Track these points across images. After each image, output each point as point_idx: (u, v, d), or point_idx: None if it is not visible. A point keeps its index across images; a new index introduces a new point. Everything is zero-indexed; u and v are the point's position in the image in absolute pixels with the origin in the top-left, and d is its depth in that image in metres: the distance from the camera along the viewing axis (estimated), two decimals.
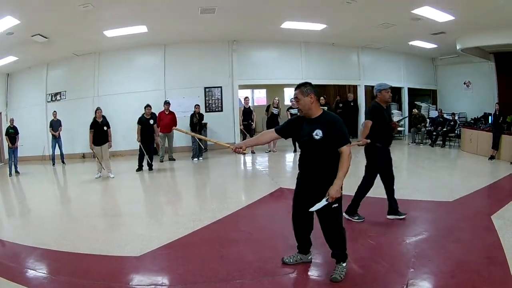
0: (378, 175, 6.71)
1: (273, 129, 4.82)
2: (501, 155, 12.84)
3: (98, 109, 11.23)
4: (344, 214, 6.30)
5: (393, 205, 6.75)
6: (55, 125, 13.45)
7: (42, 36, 11.56)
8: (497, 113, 13.20)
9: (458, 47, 15.21)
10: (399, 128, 17.75)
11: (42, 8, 9.58)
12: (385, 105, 6.58)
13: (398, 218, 6.66)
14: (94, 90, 14.78)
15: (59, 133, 13.45)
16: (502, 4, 10.31)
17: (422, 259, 5.16)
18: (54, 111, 13.60)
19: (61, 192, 10.20)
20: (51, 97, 14.96)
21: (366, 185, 6.69)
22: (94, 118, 10.98)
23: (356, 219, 6.57)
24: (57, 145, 13.52)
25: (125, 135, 13.86)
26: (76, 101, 14.40)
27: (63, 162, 13.48)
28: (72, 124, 13.93)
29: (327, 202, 4.30)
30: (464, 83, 19.42)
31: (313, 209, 4.38)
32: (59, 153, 13.73)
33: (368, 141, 6.38)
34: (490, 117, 14.62)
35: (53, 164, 13.47)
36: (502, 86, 15.88)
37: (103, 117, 11.13)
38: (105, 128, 10.97)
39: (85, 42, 13.25)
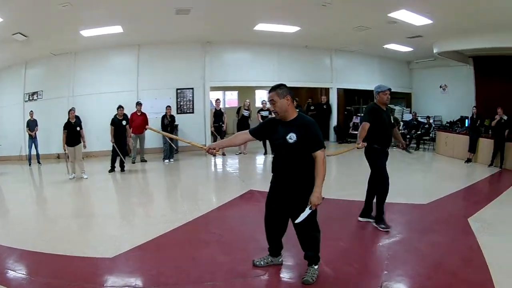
0: (369, 175, 6.86)
1: (247, 131, 4.85)
2: (478, 158, 13.17)
3: (71, 109, 11.23)
4: (373, 222, 6.61)
5: (368, 208, 6.81)
6: (32, 124, 13.36)
7: (22, 34, 11.47)
8: (474, 117, 13.40)
9: (435, 51, 15.31)
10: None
11: (24, 7, 9.52)
12: (385, 107, 6.62)
13: (370, 221, 6.70)
14: (69, 90, 14.68)
15: (35, 133, 13.35)
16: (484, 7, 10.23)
17: (396, 262, 5.21)
18: (31, 111, 13.49)
19: (37, 193, 10.18)
20: (29, 97, 14.80)
21: (384, 185, 6.62)
22: (68, 119, 10.96)
23: (383, 228, 6.38)
24: (33, 145, 13.43)
25: (98, 136, 13.77)
26: (52, 101, 14.28)
27: (38, 162, 13.40)
28: (47, 124, 13.82)
29: (310, 211, 4.32)
30: (440, 87, 19.57)
31: (298, 220, 4.37)
32: (35, 153, 13.62)
33: (365, 144, 6.42)
34: (467, 120, 14.87)
35: (30, 164, 13.38)
36: (480, 90, 16.00)
37: (77, 117, 11.12)
38: (78, 128, 10.95)
39: (62, 42, 13.17)
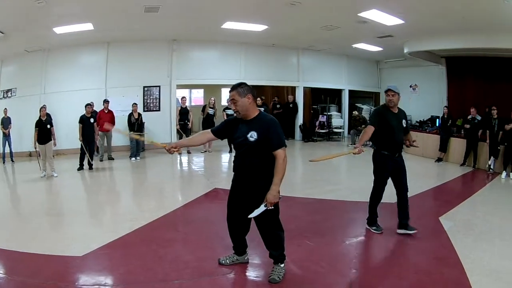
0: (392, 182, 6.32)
1: (210, 130, 4.84)
2: (449, 158, 13.43)
3: (42, 107, 11.22)
4: (397, 230, 6.24)
5: (401, 217, 6.25)
6: (6, 122, 13.18)
7: (0, 31, 11.40)
8: (445, 116, 13.61)
9: (405, 51, 15.40)
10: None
11: (2, 3, 9.47)
12: (394, 109, 6.18)
13: (408, 233, 6.13)
14: (41, 88, 14.55)
15: (9, 131, 13.24)
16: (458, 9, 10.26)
17: (365, 260, 5.34)
18: (5, 108, 13.35)
19: (10, 191, 10.11)
20: (3, 94, 14.58)
21: (374, 193, 6.40)
22: (39, 117, 10.94)
23: (374, 230, 6.29)
24: (7, 142, 13.33)
25: (68, 133, 13.73)
26: (25, 99, 14.13)
27: (12, 160, 13.28)
28: (20, 121, 13.71)
29: (265, 208, 4.28)
30: (411, 86, 19.74)
31: (251, 215, 4.37)
32: (9, 151, 13.48)
33: (364, 150, 5.96)
34: (437, 120, 15.05)
35: (3, 162, 13.24)
36: (452, 90, 16.29)
37: (48, 115, 11.14)
38: (48, 126, 10.93)
39: (36, 39, 13.06)
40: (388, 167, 6.16)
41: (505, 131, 11.22)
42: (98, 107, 13.26)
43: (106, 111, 13.48)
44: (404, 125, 6.23)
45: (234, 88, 4.45)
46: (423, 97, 18.80)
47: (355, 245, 5.90)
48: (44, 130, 10.86)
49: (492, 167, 11.66)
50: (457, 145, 13.29)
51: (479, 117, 12.53)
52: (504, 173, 11.04)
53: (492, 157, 11.65)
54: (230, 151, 14.80)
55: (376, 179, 6.33)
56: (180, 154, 14.78)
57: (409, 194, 7.18)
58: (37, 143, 10.83)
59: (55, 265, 5.02)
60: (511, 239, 6.07)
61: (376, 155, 6.25)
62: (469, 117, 12.69)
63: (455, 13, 10.61)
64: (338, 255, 5.56)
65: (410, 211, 6.24)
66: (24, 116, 13.47)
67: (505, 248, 5.69)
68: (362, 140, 6.19)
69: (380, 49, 17.41)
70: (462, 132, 13.36)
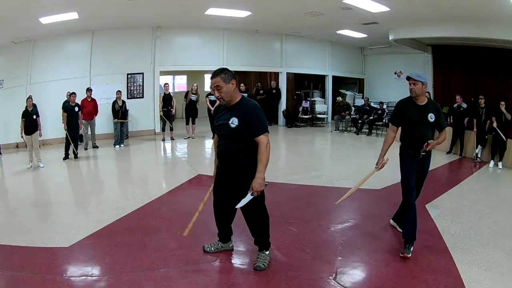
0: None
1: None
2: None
3: (29, 97, 11.14)
4: (390, 220, 6.09)
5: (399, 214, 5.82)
6: None
7: None
8: None
9: (390, 38, 15.39)
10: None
11: None
12: (421, 100, 5.36)
13: (397, 229, 5.85)
14: (27, 78, 14.35)
15: None
16: None
17: (351, 247, 5.27)
18: None
19: None
20: None
21: (403, 199, 5.38)
22: (26, 107, 10.89)
23: (401, 228, 5.55)
24: None
25: (53, 123, 13.71)
26: (12, 90, 13.89)
27: None
28: (7, 113, 13.52)
29: (252, 197, 4.26)
30: (395, 73, 19.93)
31: (239, 205, 4.35)
32: None
33: (386, 161, 5.39)
34: None
35: None
36: (437, 78, 16.29)
37: (34, 105, 11.03)
38: (34, 116, 10.90)
39: (23, 30, 12.90)
40: (412, 169, 5.30)
41: (492, 122, 11.16)
42: (82, 95, 13.21)
43: (89, 100, 13.42)
44: (432, 120, 5.23)
45: (217, 74, 4.30)
46: (408, 84, 18.60)
47: (340, 231, 5.91)
48: (30, 120, 10.82)
49: (479, 156, 11.70)
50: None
51: (464, 105, 12.57)
52: (492, 162, 11.06)
53: (479, 146, 11.68)
54: (213, 137, 14.73)
55: (401, 182, 5.40)
56: (172, 139, 14.98)
57: (394, 181, 7.40)
58: (24, 134, 10.79)
59: (43, 257, 5.04)
60: (500, 229, 6.07)
61: (400, 153, 5.45)
62: (455, 105, 12.73)
63: (444, 3, 10.56)
64: (323, 242, 5.57)
65: (397, 198, 6.00)
66: (11, 108, 13.32)
67: (494, 237, 5.70)
68: (383, 151, 5.43)
69: (364, 35, 17.44)
70: (448, 120, 13.07)
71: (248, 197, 4.29)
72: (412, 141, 5.26)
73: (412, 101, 5.37)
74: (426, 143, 5.07)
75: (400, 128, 5.50)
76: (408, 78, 5.37)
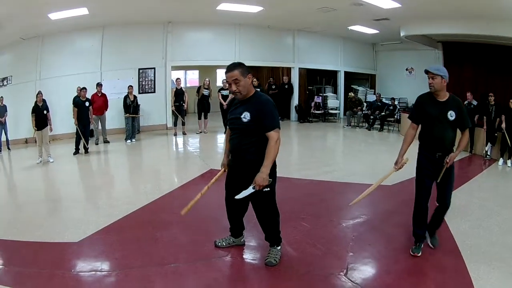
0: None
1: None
2: None
3: (39, 93, 11.13)
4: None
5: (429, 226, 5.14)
6: (1, 110, 12.98)
7: None
8: None
9: (402, 34, 15.33)
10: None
11: None
12: (443, 96, 4.85)
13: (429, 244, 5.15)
14: (36, 74, 14.36)
15: (5, 119, 13.07)
16: None
17: (362, 243, 5.21)
18: (1, 97, 13.20)
19: (7, 179, 9.96)
20: None
21: (415, 203, 5.04)
22: (36, 102, 10.88)
23: (412, 250, 4.91)
24: (3, 130, 13.17)
25: (63, 118, 13.72)
26: (21, 86, 13.97)
27: (8, 148, 13.12)
28: (16, 109, 13.53)
29: (253, 190, 4.19)
30: (407, 69, 19.78)
31: (238, 196, 4.30)
32: (5, 139, 13.25)
33: (406, 161, 5.01)
34: None
35: (0, 151, 12.96)
36: (448, 75, 16.01)
37: (44, 100, 11.01)
38: (44, 112, 10.90)
39: (32, 26, 12.89)
40: (427, 170, 4.95)
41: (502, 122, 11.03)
42: (92, 90, 13.17)
43: (99, 95, 13.37)
44: (452, 118, 4.74)
45: (234, 67, 4.23)
46: (419, 80, 18.35)
47: (352, 227, 5.84)
48: (41, 116, 10.81)
49: (489, 153, 11.53)
50: None
51: (475, 102, 12.42)
52: (501, 160, 10.87)
53: (489, 143, 11.50)
54: (226, 132, 14.70)
55: (415, 186, 5.10)
56: (184, 134, 14.95)
57: (406, 177, 7.31)
58: (36, 129, 10.77)
59: (51, 252, 5.01)
60: (509, 227, 5.95)
61: (418, 153, 5.09)
62: (465, 102, 12.48)
63: None
64: (334, 237, 5.51)
65: (407, 194, 5.91)
66: (20, 103, 13.36)
67: (502, 236, 5.58)
68: (402, 150, 5.06)
69: (376, 31, 17.35)
70: None
71: (250, 189, 4.22)
72: (429, 140, 4.90)
73: (432, 96, 4.87)
74: (445, 160, 4.71)
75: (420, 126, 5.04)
76: (427, 72, 4.82)
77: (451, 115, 4.73)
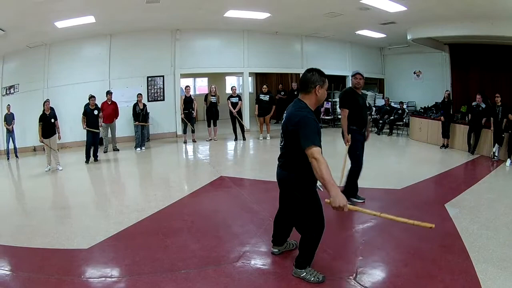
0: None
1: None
2: (454, 144, 13.20)
3: (46, 101, 11.21)
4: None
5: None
6: (9, 118, 13.12)
7: (0, 29, 11.32)
8: (445, 100, 13.41)
9: (408, 37, 15.27)
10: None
11: (2, 1, 9.44)
12: (359, 91, 7.10)
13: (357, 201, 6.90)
14: (44, 82, 14.45)
15: (12, 127, 13.17)
16: None
17: (371, 247, 5.22)
18: (8, 105, 13.29)
19: (16, 187, 10.07)
20: (6, 91, 14.43)
21: (353, 169, 7.04)
22: (43, 111, 10.92)
23: (356, 199, 6.92)
24: (11, 138, 13.24)
25: (72, 126, 13.77)
26: (28, 94, 14.07)
27: (16, 156, 13.23)
28: (23, 117, 13.63)
29: (321, 189, 4.02)
30: (414, 73, 19.71)
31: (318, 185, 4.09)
32: (13, 147, 13.36)
33: (349, 138, 6.81)
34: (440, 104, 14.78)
35: (8, 159, 13.12)
36: (455, 77, 16.02)
37: (51, 109, 11.08)
38: (52, 120, 10.94)
39: (38, 34, 12.96)
40: (360, 141, 7.16)
41: (509, 120, 11.02)
42: (102, 99, 13.20)
43: (109, 103, 13.41)
44: (368, 105, 6.08)
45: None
46: (426, 83, 18.78)
47: (361, 231, 5.85)
48: (48, 124, 10.86)
49: (496, 154, 11.45)
50: (462, 132, 13.02)
51: (483, 105, 12.31)
52: (508, 161, 10.81)
53: (496, 144, 11.43)
54: (236, 139, 14.88)
55: (352, 156, 7.13)
56: (194, 141, 14.93)
57: (415, 181, 7.44)
58: (42, 138, 10.79)
59: (61, 259, 5.01)
60: None
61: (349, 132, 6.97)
62: (474, 103, 12.47)
63: (458, 1, 10.47)
64: (344, 241, 5.52)
65: (416, 198, 6.19)
66: (28, 111, 13.42)
67: (510, 236, 5.57)
68: (344, 125, 7.06)
69: (383, 35, 17.28)
70: (466, 118, 13.05)
71: (319, 185, 4.09)
72: (361, 119, 7.04)
73: (353, 91, 7.22)
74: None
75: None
76: (357, 73, 7.17)
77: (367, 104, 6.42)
